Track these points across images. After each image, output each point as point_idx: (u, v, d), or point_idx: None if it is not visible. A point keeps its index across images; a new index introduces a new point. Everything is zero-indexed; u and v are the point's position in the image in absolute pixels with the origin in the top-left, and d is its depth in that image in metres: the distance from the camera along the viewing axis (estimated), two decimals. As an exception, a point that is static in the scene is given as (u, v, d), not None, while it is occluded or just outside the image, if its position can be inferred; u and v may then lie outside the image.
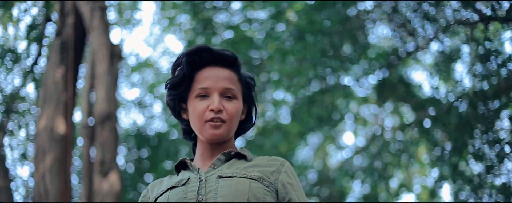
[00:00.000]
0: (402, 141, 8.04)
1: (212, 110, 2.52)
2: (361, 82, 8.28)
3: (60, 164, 7.27)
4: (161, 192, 2.51)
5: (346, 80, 8.43)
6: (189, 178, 2.48)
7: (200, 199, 2.39)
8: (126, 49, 12.83)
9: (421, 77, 8.56)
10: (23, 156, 11.06)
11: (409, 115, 8.15)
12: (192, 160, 2.66)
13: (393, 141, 8.20)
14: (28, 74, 10.63)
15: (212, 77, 2.57)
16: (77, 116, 8.89)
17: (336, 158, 9.73)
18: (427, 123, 7.47)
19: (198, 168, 2.53)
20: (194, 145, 2.70)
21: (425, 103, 7.61)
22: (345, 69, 7.79)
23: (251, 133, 9.87)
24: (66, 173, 7.30)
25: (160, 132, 10.41)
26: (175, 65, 2.62)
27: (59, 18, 8.79)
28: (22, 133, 11.05)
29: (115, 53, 8.17)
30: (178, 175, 2.60)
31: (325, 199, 8.72)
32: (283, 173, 2.52)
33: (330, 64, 7.12)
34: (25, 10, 11.13)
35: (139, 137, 10.61)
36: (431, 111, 7.48)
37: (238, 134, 2.71)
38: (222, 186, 2.41)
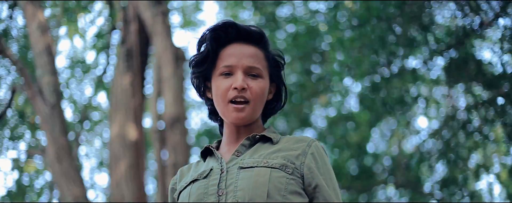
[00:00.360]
0: (477, 120, 7.85)
1: (235, 88, 2.40)
2: (430, 64, 8.12)
3: (134, 170, 7.37)
4: (185, 185, 2.43)
5: (414, 63, 8.29)
6: (211, 169, 2.39)
7: (220, 193, 2.29)
8: (192, 51, 12.94)
9: (490, 54, 8.32)
10: (101, 164, 11.31)
11: (481, 94, 7.93)
12: (220, 142, 2.56)
13: (468, 121, 8.01)
14: (98, 83, 10.85)
15: (237, 54, 2.45)
16: (147, 121, 9.00)
17: (411, 142, 9.57)
18: (500, 101, 7.27)
19: (221, 157, 2.41)
20: (221, 126, 2.59)
21: (497, 80, 7.40)
22: (411, 53, 7.65)
23: (321, 124, 9.80)
24: (140, 178, 7.40)
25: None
26: (200, 42, 2.50)
27: (123, 26, 8.93)
28: (97, 142, 11.31)
29: (179, 56, 8.22)
30: (205, 161, 2.50)
31: (402, 185, 8.60)
32: (309, 156, 2.38)
33: (392, 50, 6.98)
34: (91, 21, 11.38)
35: (211, 136, 10.68)
36: (505, 88, 7.27)
37: (266, 114, 2.56)
38: (242, 178, 2.31)
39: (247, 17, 11.89)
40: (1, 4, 10.98)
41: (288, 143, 2.45)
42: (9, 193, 9.10)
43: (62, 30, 11.06)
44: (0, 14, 10.31)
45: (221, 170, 2.36)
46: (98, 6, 11.15)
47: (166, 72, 7.96)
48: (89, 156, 11.48)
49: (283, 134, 2.67)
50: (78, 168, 7.62)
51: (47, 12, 10.84)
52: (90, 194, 11.74)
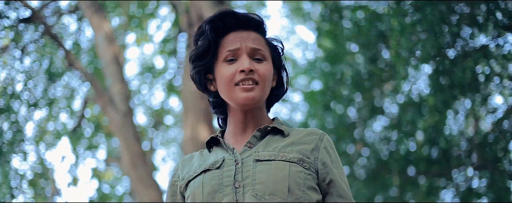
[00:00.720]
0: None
1: (242, 71, 2.35)
2: (500, 41, 7.92)
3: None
4: (194, 175, 2.36)
5: (484, 41, 8.10)
6: (223, 160, 2.33)
7: (237, 185, 2.24)
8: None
9: None
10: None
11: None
12: (223, 132, 2.50)
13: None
14: (170, 87, 11.01)
15: (240, 38, 2.41)
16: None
17: (487, 121, 9.36)
18: None
19: (233, 148, 2.36)
20: (223, 120, 2.53)
21: None
22: (478, 31, 7.48)
23: (394, 110, 9.68)
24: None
25: (302, 122, 10.44)
26: (197, 35, 2.48)
27: (188, 30, 9.02)
28: (173, 147, 11.46)
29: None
30: (210, 151, 2.45)
31: (481, 166, 8.42)
32: (322, 150, 2.35)
33: (455, 30, 6.84)
34: (158, 27, 11.56)
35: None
36: None
37: (270, 102, 2.52)
38: (260, 171, 2.25)
39: (311, 9, 11.86)
40: (70, 17, 11.28)
41: (299, 135, 2.40)
42: (91, 201, 9.34)
43: (130, 38, 11.27)
44: (69, 27, 10.59)
45: (235, 161, 2.31)
46: (163, 11, 11.33)
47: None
48: (165, 160, 11.67)
49: (289, 126, 2.59)
50: (153, 173, 7.77)
51: (115, 21, 11.08)
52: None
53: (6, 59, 10.39)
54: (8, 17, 10.30)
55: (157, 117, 11.22)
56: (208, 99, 2.57)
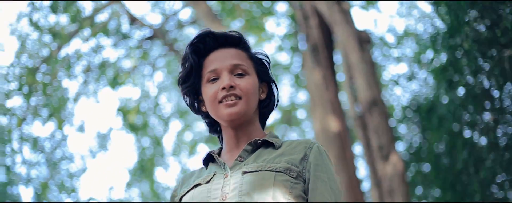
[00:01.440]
0: None
1: (223, 88, 2.39)
2: None
3: (342, 160, 7.51)
4: (187, 190, 2.41)
5: None
6: (214, 174, 2.37)
7: (224, 198, 2.27)
8: (380, 28, 12.79)
9: None
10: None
11: None
12: (220, 150, 2.51)
13: None
14: (297, 82, 11.15)
15: (219, 58, 2.46)
16: (346, 110, 9.09)
17: None
18: None
19: (224, 163, 2.39)
20: (221, 138, 2.55)
21: None
22: None
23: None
24: (350, 167, 7.52)
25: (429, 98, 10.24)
26: (182, 59, 2.53)
27: (304, 23, 9.11)
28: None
29: (363, 39, 8.24)
30: (207, 168, 2.48)
31: None
32: (310, 157, 2.34)
33: None
34: (277, 24, 11.72)
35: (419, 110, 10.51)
36: None
37: (263, 115, 2.54)
38: (246, 182, 2.27)
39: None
40: (192, 27, 11.66)
41: (290, 146, 2.41)
42: None
43: (250, 40, 11.49)
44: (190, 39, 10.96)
45: (224, 174, 2.35)
46: (280, 7, 11.45)
47: (353, 58, 8.01)
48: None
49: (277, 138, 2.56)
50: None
51: (235, 25, 11.32)
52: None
53: (135, 78, 10.91)
54: (131, 37, 10.82)
55: (288, 112, 11.38)
56: (204, 121, 2.61)
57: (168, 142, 10.32)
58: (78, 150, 10.79)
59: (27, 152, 9.58)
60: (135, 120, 10.15)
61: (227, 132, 2.49)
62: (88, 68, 11.26)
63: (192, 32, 11.67)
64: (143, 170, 10.20)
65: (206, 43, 2.50)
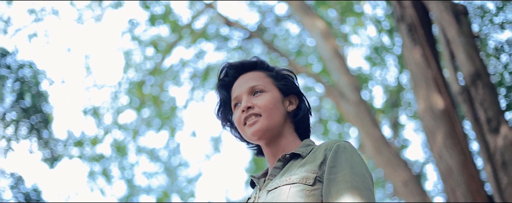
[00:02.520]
0: None
1: (243, 111, 2.49)
2: None
3: (452, 137, 7.36)
4: None
5: None
6: (249, 198, 2.46)
7: None
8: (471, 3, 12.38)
9: None
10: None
11: None
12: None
13: None
14: (400, 64, 10.99)
15: (239, 85, 2.56)
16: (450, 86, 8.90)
17: None
18: None
19: (259, 185, 2.45)
20: None
21: None
22: None
23: None
24: (460, 143, 7.36)
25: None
26: (216, 93, 2.66)
27: (397, 4, 8.98)
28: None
29: (460, 12, 8.05)
30: (253, 188, 2.54)
31: None
32: (329, 159, 2.31)
33: None
34: (374, 7, 11.60)
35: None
36: None
37: (300, 126, 2.55)
38: (268, 200, 2.31)
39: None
40: (289, 22, 11.72)
41: (314, 153, 2.39)
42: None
43: (347, 27, 11.43)
44: (288, 34, 11.02)
45: (254, 196, 2.41)
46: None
47: (451, 33, 7.83)
48: (417, 131, 11.60)
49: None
50: (400, 152, 7.83)
51: (331, 13, 11.31)
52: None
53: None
54: (230, 39, 10.99)
55: (395, 93, 11.24)
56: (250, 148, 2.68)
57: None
58: (193, 155, 11.07)
59: (145, 163, 9.93)
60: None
61: (264, 151, 2.55)
62: (194, 75, 11.53)
63: (290, 27, 11.74)
64: (258, 167, 10.36)
65: (228, 75, 2.61)
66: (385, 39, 11.53)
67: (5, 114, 8.13)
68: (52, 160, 8.12)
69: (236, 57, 11.53)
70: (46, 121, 8.21)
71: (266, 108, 2.50)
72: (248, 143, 2.64)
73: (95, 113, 9.83)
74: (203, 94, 11.45)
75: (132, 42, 10.51)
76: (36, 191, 7.62)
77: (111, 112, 10.08)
